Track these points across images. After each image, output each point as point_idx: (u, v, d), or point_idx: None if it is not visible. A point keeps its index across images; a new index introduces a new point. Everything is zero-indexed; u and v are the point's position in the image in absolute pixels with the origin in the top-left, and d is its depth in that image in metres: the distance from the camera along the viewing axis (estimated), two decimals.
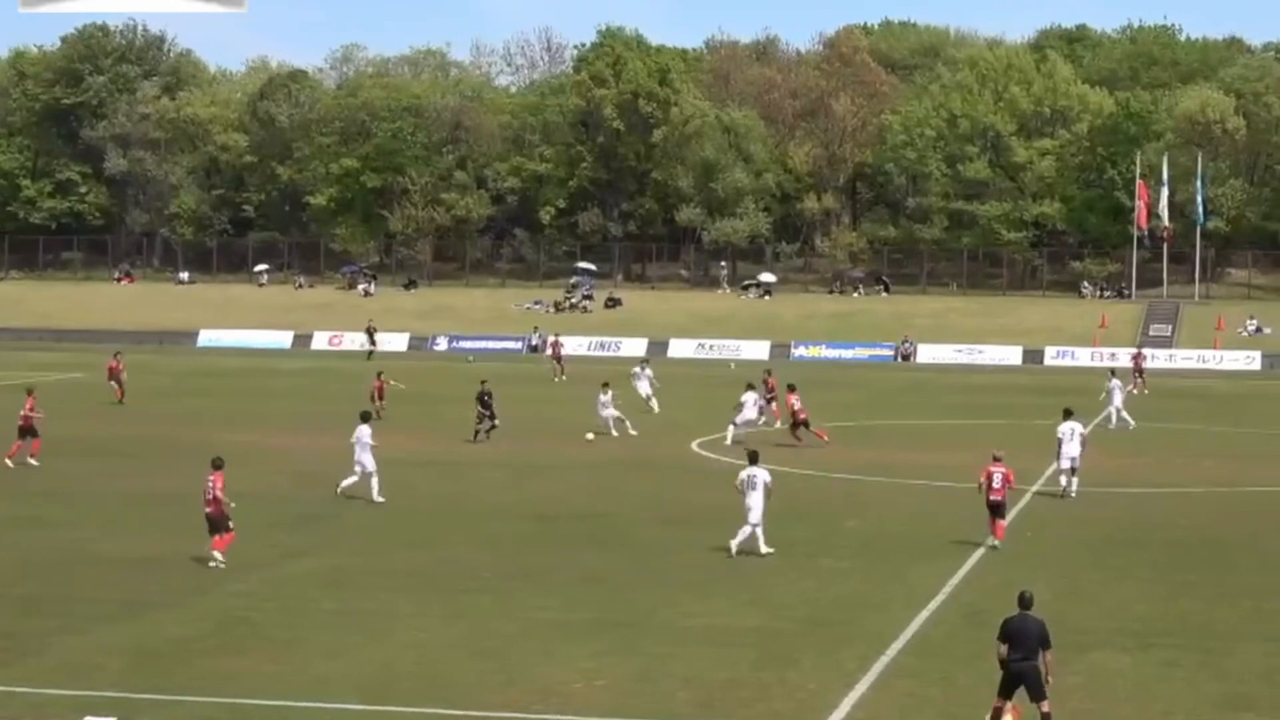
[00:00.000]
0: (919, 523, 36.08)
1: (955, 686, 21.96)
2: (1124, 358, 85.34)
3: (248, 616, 25.73)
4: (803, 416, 50.03)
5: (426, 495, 39.40)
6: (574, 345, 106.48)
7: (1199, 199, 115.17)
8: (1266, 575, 30.53)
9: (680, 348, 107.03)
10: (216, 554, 29.61)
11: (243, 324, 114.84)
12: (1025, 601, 19.93)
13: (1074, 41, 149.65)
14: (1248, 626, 26.03)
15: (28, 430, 44.34)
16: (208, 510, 29.90)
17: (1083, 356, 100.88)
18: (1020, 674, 19.42)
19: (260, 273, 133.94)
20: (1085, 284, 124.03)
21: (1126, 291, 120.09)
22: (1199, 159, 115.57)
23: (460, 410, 57.96)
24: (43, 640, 23.95)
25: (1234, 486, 42.86)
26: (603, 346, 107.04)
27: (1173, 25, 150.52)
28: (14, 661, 22.69)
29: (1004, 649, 19.61)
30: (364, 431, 38.43)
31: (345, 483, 38.21)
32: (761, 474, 31.48)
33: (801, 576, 29.65)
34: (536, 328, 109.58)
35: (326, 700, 20.98)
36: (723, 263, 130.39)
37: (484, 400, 51.12)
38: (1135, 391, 70.01)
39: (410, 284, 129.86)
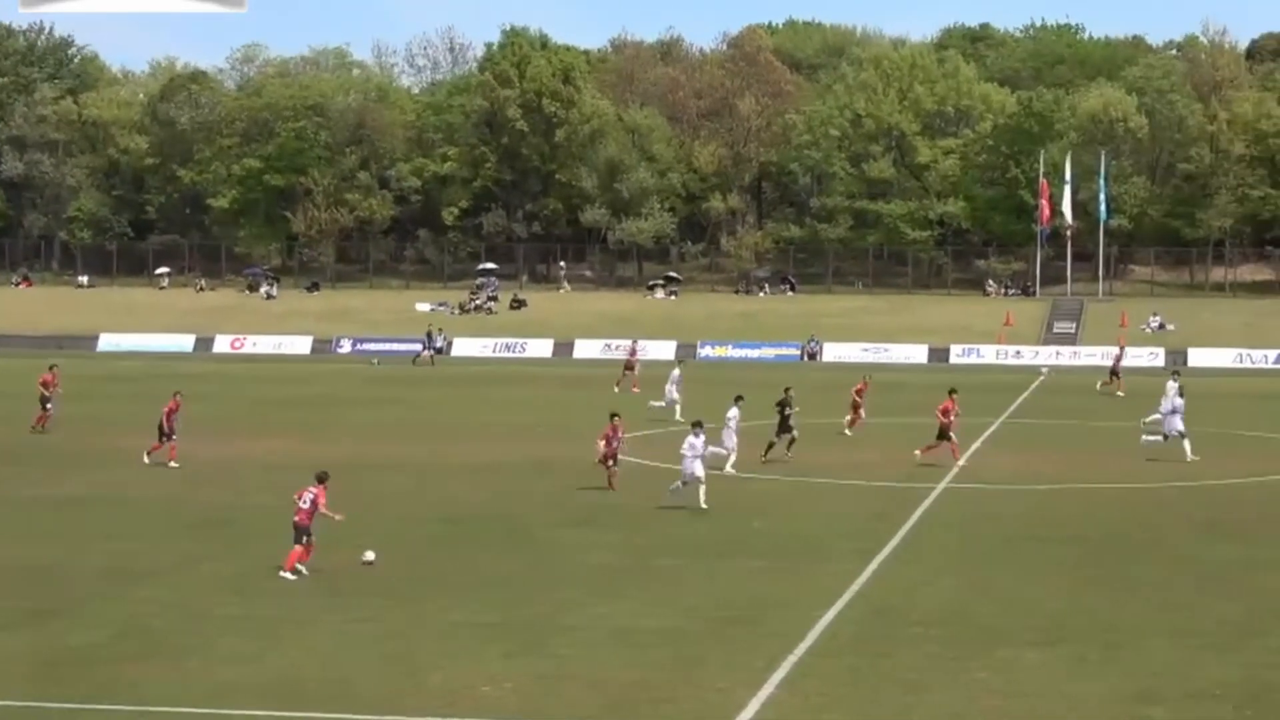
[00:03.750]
0: (826, 521, 36.09)
1: (863, 684, 21.90)
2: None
3: (149, 624, 25.36)
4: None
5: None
6: (478, 347, 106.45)
7: (1102, 197, 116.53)
8: (1170, 570, 30.68)
9: (586, 348, 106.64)
10: (292, 571, 28.95)
11: (144, 328, 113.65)
12: None
13: (977, 41, 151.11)
14: (1154, 621, 26.11)
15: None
16: (296, 519, 29.28)
17: (988, 354, 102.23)
18: None
19: (161, 276, 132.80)
20: (990, 282, 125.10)
21: (1031, 289, 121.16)
22: (1102, 157, 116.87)
23: (361, 413, 57.57)
24: None
25: (1137, 483, 43.11)
26: (508, 348, 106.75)
27: (1075, 25, 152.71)
28: None
29: None
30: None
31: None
32: None
33: (709, 577, 29.54)
34: (442, 329, 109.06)
35: (231, 707, 20.68)
36: (562, 263, 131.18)
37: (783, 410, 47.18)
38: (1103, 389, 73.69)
39: (313, 286, 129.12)
